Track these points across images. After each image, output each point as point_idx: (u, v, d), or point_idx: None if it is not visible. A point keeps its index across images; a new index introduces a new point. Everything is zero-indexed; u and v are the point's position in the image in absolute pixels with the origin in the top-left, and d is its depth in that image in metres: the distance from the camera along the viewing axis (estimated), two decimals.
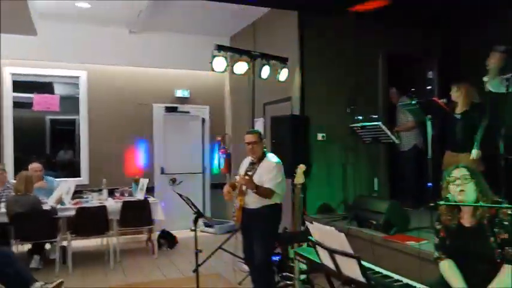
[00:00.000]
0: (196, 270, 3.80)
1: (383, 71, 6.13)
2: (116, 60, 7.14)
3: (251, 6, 5.86)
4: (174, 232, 6.56)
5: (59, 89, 7.37)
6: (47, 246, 5.63)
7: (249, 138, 3.85)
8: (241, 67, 5.07)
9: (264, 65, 5.23)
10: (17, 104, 6.82)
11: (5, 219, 5.03)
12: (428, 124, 4.33)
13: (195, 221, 3.83)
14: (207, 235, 7.02)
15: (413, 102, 4.49)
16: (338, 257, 2.10)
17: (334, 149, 5.70)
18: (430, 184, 4.23)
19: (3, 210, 5.08)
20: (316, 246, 2.27)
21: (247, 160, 3.99)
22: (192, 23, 6.89)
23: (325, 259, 2.26)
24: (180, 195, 4.04)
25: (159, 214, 5.88)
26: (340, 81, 5.82)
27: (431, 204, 3.72)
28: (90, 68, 7.10)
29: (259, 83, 5.38)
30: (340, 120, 5.63)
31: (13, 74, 6.71)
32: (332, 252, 2.12)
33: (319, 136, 5.70)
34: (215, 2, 5.43)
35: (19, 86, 6.84)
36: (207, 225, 7.27)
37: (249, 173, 3.81)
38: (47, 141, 7.58)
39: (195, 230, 3.81)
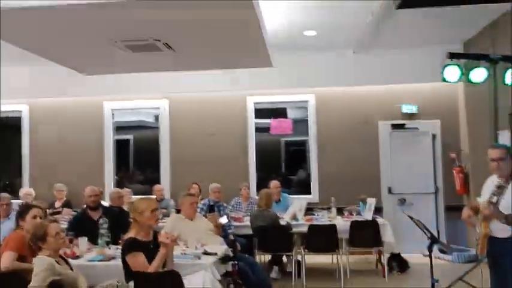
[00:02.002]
0: None
1: None
2: (341, 82, 7.36)
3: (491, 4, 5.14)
4: (404, 256, 6.19)
5: (291, 113, 8.06)
6: (284, 258, 6.10)
7: (494, 153, 3.30)
8: (479, 74, 4.49)
9: (508, 68, 4.48)
10: (257, 129, 7.78)
11: (250, 231, 5.73)
12: None
13: (430, 247, 3.51)
14: (442, 262, 6.37)
15: None
16: None
17: None
18: None
19: (249, 223, 5.78)
20: None
21: (493, 179, 3.41)
22: (419, 34, 6.52)
23: None
24: (411, 218, 3.77)
25: (389, 236, 5.66)
26: None
27: None
28: (317, 92, 7.53)
29: (503, 90, 4.63)
30: None
31: (255, 103, 7.70)
32: None
33: None
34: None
35: (259, 112, 7.80)
36: (442, 251, 6.59)
37: (494, 199, 3.24)
38: (282, 161, 8.33)
39: (430, 257, 3.48)
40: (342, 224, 5.71)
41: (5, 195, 5.33)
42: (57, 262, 3.13)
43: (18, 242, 3.51)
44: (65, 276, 3.15)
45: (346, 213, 6.19)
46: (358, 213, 6.18)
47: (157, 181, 7.66)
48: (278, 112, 7.93)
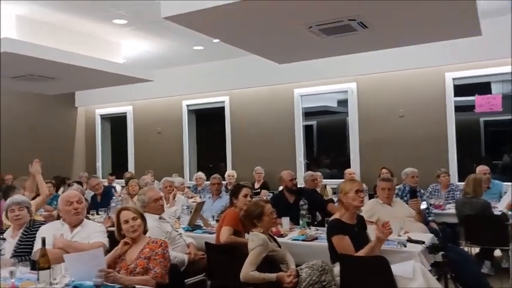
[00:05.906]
0: None
1: None
2: None
3: None
4: None
5: (495, 88, 7.00)
6: (497, 252, 5.37)
7: None
8: None
9: None
10: (457, 108, 7.00)
11: (451, 220, 5.20)
12: None
13: None
14: None
15: None
16: None
17: None
18: None
19: (452, 211, 5.25)
20: None
21: None
22: None
23: None
24: None
25: None
26: None
27: None
28: None
29: None
30: None
31: (454, 79, 6.93)
32: None
33: None
34: None
35: (459, 89, 7.00)
36: None
37: None
38: (482, 144, 7.37)
39: None
40: None
41: (217, 176, 5.98)
42: (268, 239, 3.34)
43: (233, 218, 3.88)
44: (276, 253, 3.36)
45: None
46: None
47: (345, 165, 7.61)
48: (481, 87, 6.96)
